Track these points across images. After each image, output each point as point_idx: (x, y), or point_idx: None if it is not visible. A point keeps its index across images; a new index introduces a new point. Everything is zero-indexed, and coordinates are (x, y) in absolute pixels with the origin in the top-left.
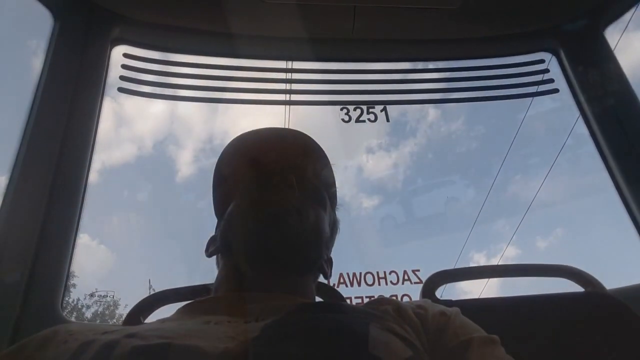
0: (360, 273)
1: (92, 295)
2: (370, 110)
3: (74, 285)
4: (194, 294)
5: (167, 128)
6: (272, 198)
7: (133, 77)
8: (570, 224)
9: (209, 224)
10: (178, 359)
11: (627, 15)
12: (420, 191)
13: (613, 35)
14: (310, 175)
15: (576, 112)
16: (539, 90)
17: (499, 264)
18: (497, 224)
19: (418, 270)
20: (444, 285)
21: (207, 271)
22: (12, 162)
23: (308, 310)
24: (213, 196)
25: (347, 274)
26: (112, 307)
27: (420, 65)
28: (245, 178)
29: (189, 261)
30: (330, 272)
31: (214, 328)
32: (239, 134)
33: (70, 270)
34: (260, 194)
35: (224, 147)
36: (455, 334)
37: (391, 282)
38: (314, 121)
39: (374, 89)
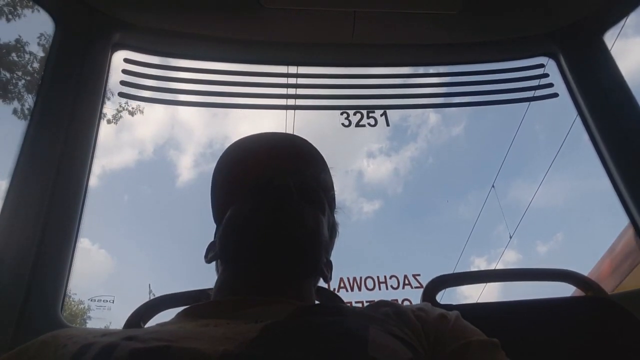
0: (361, 277)
1: (92, 300)
2: (370, 114)
3: (89, 318)
4: (193, 298)
5: (167, 132)
6: (271, 203)
7: (134, 82)
8: (570, 228)
9: (209, 229)
10: None
11: (627, 20)
12: (421, 195)
13: (613, 39)
14: (308, 180)
15: (575, 116)
16: (538, 94)
17: (498, 268)
18: (498, 228)
19: (419, 275)
20: (444, 290)
21: (207, 276)
22: (12, 167)
23: (308, 313)
24: (212, 201)
25: (348, 278)
26: None
27: (420, 69)
28: (244, 183)
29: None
30: (330, 275)
31: (213, 330)
32: (238, 138)
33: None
34: (258, 199)
35: (223, 152)
36: (455, 337)
37: (392, 286)
38: (314, 125)
39: (374, 93)
